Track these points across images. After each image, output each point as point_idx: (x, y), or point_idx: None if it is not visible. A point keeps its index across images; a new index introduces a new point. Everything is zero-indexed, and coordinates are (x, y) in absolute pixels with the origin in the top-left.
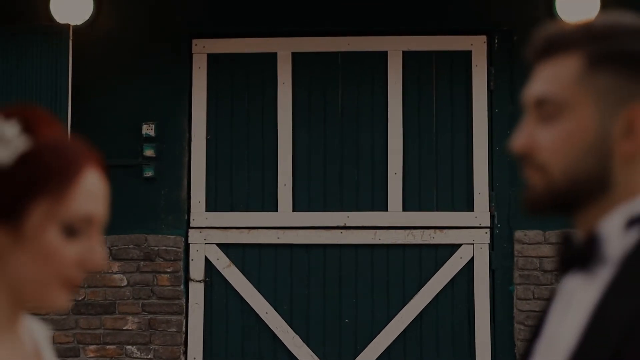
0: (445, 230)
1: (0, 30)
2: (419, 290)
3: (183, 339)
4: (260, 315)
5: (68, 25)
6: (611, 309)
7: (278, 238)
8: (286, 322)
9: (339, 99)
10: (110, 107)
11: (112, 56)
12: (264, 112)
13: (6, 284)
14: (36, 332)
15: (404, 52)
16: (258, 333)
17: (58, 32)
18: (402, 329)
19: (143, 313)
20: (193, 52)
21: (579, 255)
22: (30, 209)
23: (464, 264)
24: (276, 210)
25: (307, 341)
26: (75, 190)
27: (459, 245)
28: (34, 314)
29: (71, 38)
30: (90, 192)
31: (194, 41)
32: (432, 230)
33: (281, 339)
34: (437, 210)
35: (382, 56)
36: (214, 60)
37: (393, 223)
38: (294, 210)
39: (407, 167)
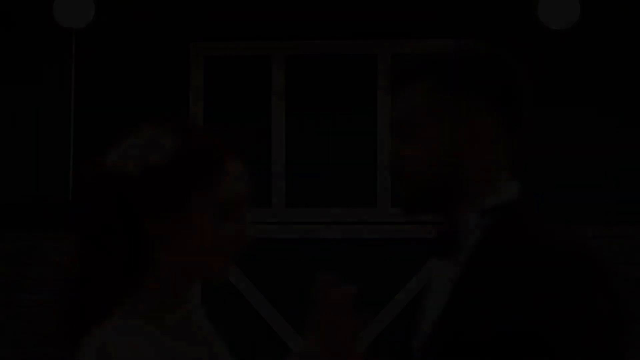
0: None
1: (2, 34)
2: (408, 282)
3: None
4: (255, 307)
5: (71, 28)
6: (464, 285)
7: (272, 233)
8: (280, 314)
9: (332, 100)
10: (111, 108)
11: (112, 59)
12: (259, 112)
13: (177, 264)
14: (196, 310)
15: (392, 55)
16: (253, 325)
17: (61, 36)
18: (391, 320)
19: None
20: (191, 54)
21: (446, 245)
22: (190, 200)
23: None
24: (270, 206)
25: (300, 333)
26: (224, 178)
27: None
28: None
29: (74, 42)
30: (236, 177)
31: (192, 44)
32: (420, 225)
33: (276, 330)
34: None
35: (372, 59)
36: (210, 62)
37: (383, 218)
38: (287, 206)
39: None
